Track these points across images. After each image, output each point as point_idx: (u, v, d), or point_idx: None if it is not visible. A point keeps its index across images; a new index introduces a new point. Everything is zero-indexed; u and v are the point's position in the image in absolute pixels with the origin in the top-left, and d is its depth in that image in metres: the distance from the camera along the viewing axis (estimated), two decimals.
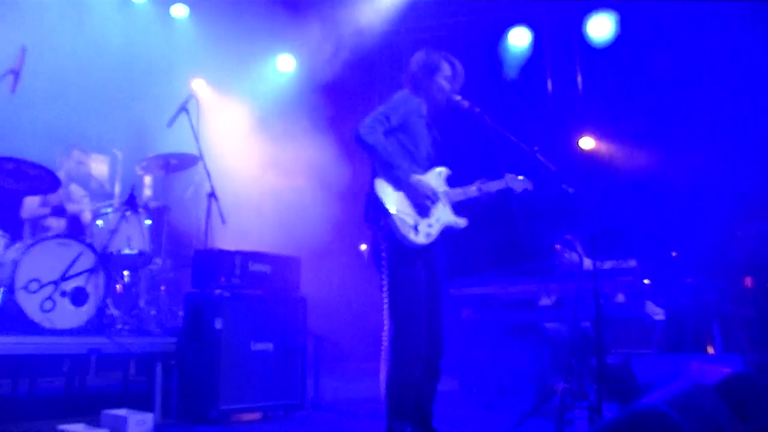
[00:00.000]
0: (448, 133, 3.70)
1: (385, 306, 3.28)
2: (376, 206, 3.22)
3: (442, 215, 3.38)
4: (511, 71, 7.92)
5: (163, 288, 5.24)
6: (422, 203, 3.27)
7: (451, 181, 3.51)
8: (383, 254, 3.26)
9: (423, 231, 3.25)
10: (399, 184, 3.25)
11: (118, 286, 5.07)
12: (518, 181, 3.59)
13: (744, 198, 6.18)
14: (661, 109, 6.93)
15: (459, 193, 3.47)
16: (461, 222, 3.45)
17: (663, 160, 6.78)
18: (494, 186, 3.55)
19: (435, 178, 3.46)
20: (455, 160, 3.62)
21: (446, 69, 3.51)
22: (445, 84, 3.49)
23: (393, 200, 3.22)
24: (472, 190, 3.50)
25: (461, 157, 3.77)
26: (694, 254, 6.41)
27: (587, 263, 4.91)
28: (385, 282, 3.28)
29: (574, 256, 5.15)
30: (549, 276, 5.07)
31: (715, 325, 5.55)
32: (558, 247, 5.44)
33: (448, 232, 3.43)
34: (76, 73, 6.25)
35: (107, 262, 4.48)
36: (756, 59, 6.48)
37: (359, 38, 7.66)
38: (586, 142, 7.82)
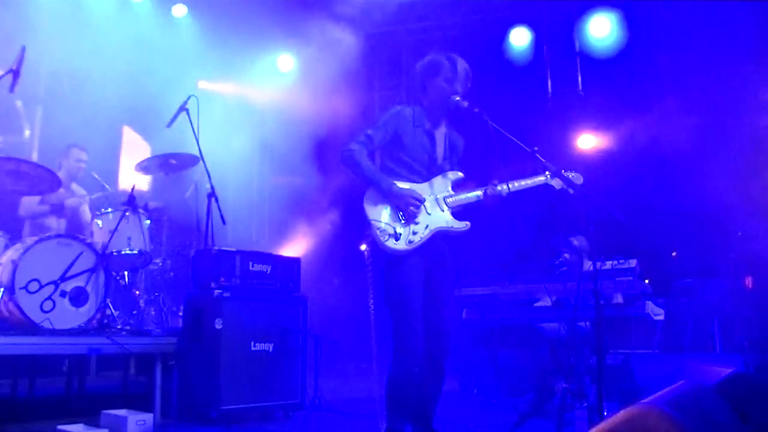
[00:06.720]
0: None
1: (373, 309, 3.37)
2: (363, 218, 3.36)
3: (433, 221, 3.38)
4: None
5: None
6: (406, 211, 3.33)
7: (462, 185, 3.50)
8: (370, 262, 3.42)
9: (405, 238, 3.32)
10: (382, 195, 3.35)
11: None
12: (566, 178, 3.40)
13: (743, 197, 6.18)
14: (661, 108, 6.92)
15: (461, 198, 3.46)
16: (460, 226, 3.42)
17: (663, 159, 6.77)
18: (529, 183, 3.49)
19: (437, 184, 3.46)
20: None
21: (447, 69, 3.47)
22: (444, 85, 3.46)
23: (377, 211, 3.34)
24: (491, 191, 3.43)
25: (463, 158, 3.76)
26: (694, 254, 6.41)
27: (587, 263, 4.91)
28: (371, 288, 3.48)
29: (574, 257, 5.15)
30: (549, 276, 5.07)
31: (715, 325, 5.54)
32: (557, 247, 5.43)
33: (449, 235, 3.43)
34: (76, 72, 6.25)
35: (107, 262, 4.47)
36: (757, 57, 6.48)
37: (359, 38, 7.66)
38: (586, 142, 7.81)
